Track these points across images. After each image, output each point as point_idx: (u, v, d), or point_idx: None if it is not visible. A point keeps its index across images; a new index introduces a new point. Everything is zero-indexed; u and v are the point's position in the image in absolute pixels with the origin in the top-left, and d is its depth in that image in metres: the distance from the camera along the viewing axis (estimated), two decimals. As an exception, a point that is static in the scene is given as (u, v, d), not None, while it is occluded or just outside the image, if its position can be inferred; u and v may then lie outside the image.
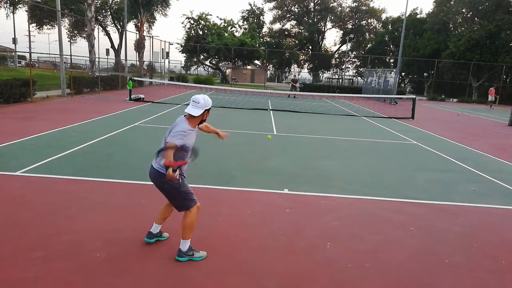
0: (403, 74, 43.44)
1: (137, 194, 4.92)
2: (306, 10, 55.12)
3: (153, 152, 3.35)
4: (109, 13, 46.10)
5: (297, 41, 55.82)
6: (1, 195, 4.68)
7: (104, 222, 4.06)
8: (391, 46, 49.06)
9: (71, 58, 20.08)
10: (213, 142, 8.80)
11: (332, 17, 54.39)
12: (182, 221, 3.35)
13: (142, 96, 17.08)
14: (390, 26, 49.80)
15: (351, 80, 48.38)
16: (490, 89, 28.32)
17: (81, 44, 48.53)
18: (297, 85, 29.56)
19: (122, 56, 28.38)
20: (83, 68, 41.60)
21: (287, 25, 57.31)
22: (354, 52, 55.48)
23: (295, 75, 34.96)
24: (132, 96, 16.88)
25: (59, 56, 17.79)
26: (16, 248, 3.40)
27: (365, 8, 53.45)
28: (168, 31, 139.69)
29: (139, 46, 31.28)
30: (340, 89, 34.07)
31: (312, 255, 3.65)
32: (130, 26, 40.89)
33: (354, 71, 56.20)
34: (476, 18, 39.54)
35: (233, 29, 44.19)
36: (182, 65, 48.67)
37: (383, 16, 54.01)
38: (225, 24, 43.60)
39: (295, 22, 56.48)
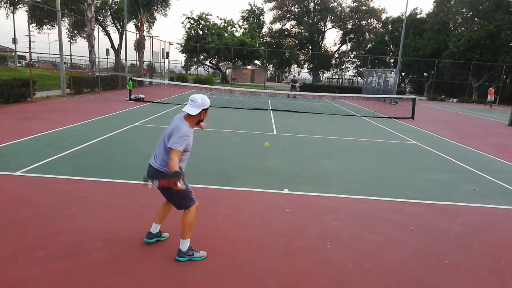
0: (403, 74, 43.44)
1: (137, 194, 4.92)
2: (306, 10, 55.13)
3: (153, 152, 3.36)
4: (109, 13, 46.11)
5: (297, 41, 55.83)
6: (1, 195, 4.68)
7: (104, 222, 4.06)
8: (391, 46, 49.07)
9: (71, 58, 20.10)
10: (213, 142, 8.83)
11: (332, 17, 54.40)
12: (182, 220, 3.35)
13: (142, 96, 17.08)
14: (390, 26, 49.80)
15: (351, 80, 48.39)
16: (490, 89, 28.33)
17: (81, 44, 48.60)
18: (297, 85, 29.59)
19: (122, 56, 28.41)
20: (83, 68, 41.61)
21: (287, 25, 57.42)
22: (354, 52, 55.50)
23: (294, 75, 35.00)
24: (132, 96, 16.88)
25: (59, 56, 17.80)
26: (16, 248, 3.40)
27: (365, 8, 53.46)
28: (168, 31, 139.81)
29: (139, 46, 31.29)
30: (340, 89, 34.07)
31: (312, 255, 3.65)
32: (130, 26, 40.94)
33: (354, 71, 56.26)
34: (476, 18, 39.54)
35: (233, 29, 44.21)
36: (182, 65, 48.70)
37: (383, 16, 54.09)
38: (225, 24, 43.61)
39: (295, 22, 56.50)
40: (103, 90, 20.72)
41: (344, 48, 56.37)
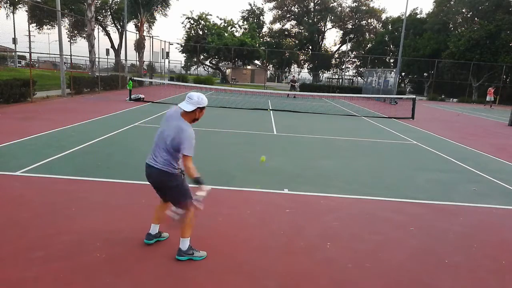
0: (403, 74, 43.44)
1: (137, 194, 4.92)
2: (306, 10, 55.12)
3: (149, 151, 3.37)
4: (109, 13, 46.10)
5: (297, 41, 55.81)
6: (1, 195, 4.68)
7: (104, 222, 4.06)
8: (391, 46, 49.06)
9: (71, 58, 20.10)
10: (213, 142, 8.82)
11: (332, 17, 54.38)
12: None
13: (142, 96, 17.08)
14: (390, 26, 49.79)
15: (351, 80, 48.38)
16: (489, 89, 28.35)
17: (81, 44, 48.57)
18: (296, 84, 29.66)
19: (122, 56, 28.41)
20: (83, 68, 41.61)
21: (287, 25, 57.39)
22: (354, 52, 55.48)
23: (294, 75, 35.07)
24: (132, 96, 16.88)
25: (59, 56, 17.80)
26: (16, 248, 3.40)
27: (365, 8, 53.44)
28: (168, 31, 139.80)
29: (139, 46, 31.29)
30: (340, 89, 34.06)
31: (312, 255, 3.65)
32: (130, 26, 40.94)
33: (354, 71, 56.23)
34: (476, 18, 39.54)
35: (233, 29, 44.21)
36: (182, 65, 48.69)
37: (383, 16, 54.07)
38: (225, 24, 43.61)
39: (295, 22, 56.49)
40: (103, 90, 20.71)
41: (344, 48, 56.42)
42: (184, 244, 3.37)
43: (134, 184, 5.31)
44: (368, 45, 53.49)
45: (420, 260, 3.69)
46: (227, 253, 3.58)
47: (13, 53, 42.28)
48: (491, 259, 3.80)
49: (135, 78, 20.30)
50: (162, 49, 33.68)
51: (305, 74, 57.55)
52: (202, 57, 45.89)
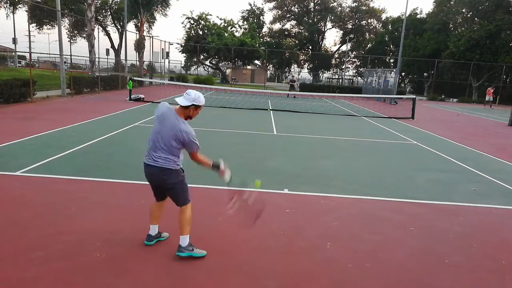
0: (403, 74, 43.44)
1: (137, 194, 4.92)
2: (306, 10, 55.12)
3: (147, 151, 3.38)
4: (109, 13, 46.10)
5: (297, 41, 55.80)
6: (1, 195, 4.68)
7: (104, 222, 4.06)
8: (391, 46, 49.05)
9: (71, 58, 20.10)
10: (213, 142, 8.82)
11: (332, 17, 54.38)
12: (180, 217, 3.38)
13: (142, 96, 17.09)
14: (390, 26, 49.79)
15: (351, 80, 48.37)
16: (488, 89, 28.37)
17: (81, 44, 48.58)
18: (296, 84, 29.80)
19: (122, 56, 28.42)
20: (83, 68, 41.61)
21: (287, 25, 57.39)
22: (354, 52, 55.48)
23: (293, 75, 35.18)
24: (132, 96, 16.88)
25: (59, 56, 17.80)
26: (16, 248, 3.40)
27: (365, 8, 53.44)
28: (168, 31, 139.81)
29: (139, 46, 31.29)
30: (340, 89, 34.07)
31: (312, 255, 3.65)
32: (130, 26, 40.93)
33: (354, 71, 56.23)
34: (476, 18, 39.54)
35: (233, 29, 44.20)
36: (182, 65, 48.69)
37: (383, 16, 54.07)
38: (225, 24, 43.61)
39: (295, 22, 56.48)
40: (103, 90, 20.72)
41: (344, 48, 56.42)
42: (184, 240, 3.39)
43: (134, 184, 5.31)
44: (368, 45, 53.49)
45: (420, 260, 3.69)
46: (227, 253, 3.58)
47: (13, 53, 42.29)
48: (491, 259, 3.80)
49: (135, 78, 20.30)
50: (162, 49, 33.69)
51: (305, 74, 57.59)
52: (202, 57, 45.89)
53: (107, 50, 27.13)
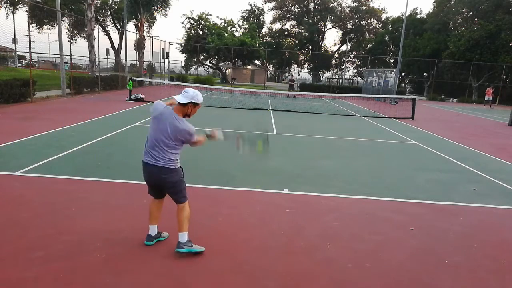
0: (403, 74, 43.43)
1: (137, 194, 4.92)
2: (306, 10, 55.11)
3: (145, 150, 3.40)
4: (109, 13, 46.10)
5: (297, 41, 55.79)
6: (1, 195, 4.68)
7: (104, 222, 4.06)
8: (391, 46, 49.05)
9: (71, 58, 20.09)
10: (213, 142, 8.81)
11: (332, 17, 54.37)
12: (179, 214, 3.41)
13: (142, 96, 17.09)
14: (390, 26, 49.78)
15: (351, 80, 48.36)
16: (487, 89, 28.38)
17: (81, 44, 48.60)
18: (295, 83, 29.93)
19: (122, 56, 28.43)
20: (83, 68, 41.61)
21: (287, 25, 57.37)
22: (354, 52, 55.46)
23: (292, 75, 35.28)
24: (132, 96, 16.89)
25: (59, 56, 17.80)
26: (16, 248, 3.40)
27: (365, 8, 53.43)
28: (168, 31, 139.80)
29: (139, 46, 31.29)
30: (340, 89, 34.06)
31: (312, 255, 3.65)
32: (130, 26, 40.93)
33: (354, 71, 56.22)
34: (476, 18, 39.54)
35: (233, 29, 44.20)
36: (182, 65, 48.68)
37: (383, 16, 54.05)
38: (225, 24, 43.61)
39: (295, 22, 56.46)
40: (103, 90, 20.72)
41: (344, 48, 56.40)
42: (183, 237, 3.42)
43: (134, 184, 5.31)
44: (368, 45, 53.48)
45: (420, 260, 3.69)
46: (227, 253, 3.58)
47: (13, 53, 42.29)
48: (491, 259, 3.80)
49: (135, 78, 20.31)
50: (162, 49, 33.70)
51: (305, 74, 57.57)
52: (202, 57, 45.88)
53: (107, 50, 27.14)
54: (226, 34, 41.16)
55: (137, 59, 31.28)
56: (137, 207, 4.50)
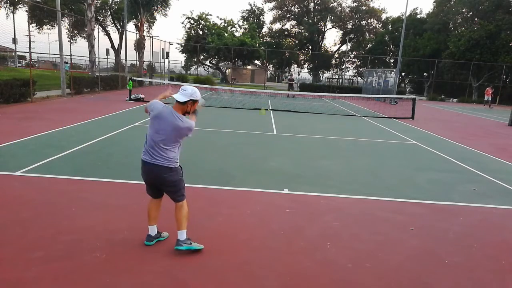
0: (403, 74, 43.43)
1: (137, 194, 4.91)
2: (306, 10, 55.10)
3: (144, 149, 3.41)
4: (109, 13, 46.08)
5: (297, 41, 55.79)
6: (1, 195, 4.68)
7: (104, 222, 4.06)
8: (391, 46, 49.04)
9: (71, 58, 20.08)
10: (213, 142, 8.82)
11: (332, 17, 54.35)
12: (178, 213, 3.43)
13: (142, 96, 17.09)
14: (390, 26, 49.78)
15: (351, 80, 48.35)
16: (487, 89, 28.39)
17: (81, 44, 48.61)
18: (294, 83, 30.01)
19: (122, 56, 28.43)
20: (83, 68, 41.61)
21: (287, 25, 57.33)
22: (354, 52, 55.45)
23: (291, 74, 35.34)
24: (132, 96, 16.89)
25: (59, 56, 17.79)
26: (16, 248, 3.40)
27: (365, 8, 53.41)
28: (168, 31, 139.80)
29: (139, 46, 31.30)
30: (340, 89, 34.05)
31: (312, 255, 3.65)
32: (130, 26, 40.94)
33: (354, 71, 56.20)
34: (476, 18, 39.54)
35: (233, 29, 44.16)
36: (182, 65, 48.66)
37: (383, 16, 54.03)
38: (225, 24, 43.58)
39: (295, 22, 56.44)
40: (103, 90, 20.72)
41: (344, 48, 56.38)
42: (182, 235, 3.44)
43: (134, 184, 5.31)
44: (368, 45, 53.46)
45: (420, 260, 3.69)
46: (227, 253, 3.58)
47: (13, 53, 42.27)
48: (491, 259, 3.80)
49: (135, 78, 20.31)
50: (162, 49, 33.69)
51: (305, 74, 57.57)
52: (202, 57, 45.85)
53: (107, 50, 27.13)
54: (226, 34, 41.14)
55: (137, 59, 31.29)
56: (137, 207, 4.50)
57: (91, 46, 21.67)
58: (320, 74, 55.24)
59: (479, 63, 33.90)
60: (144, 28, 34.93)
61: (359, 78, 50.70)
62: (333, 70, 57.38)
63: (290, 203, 5.01)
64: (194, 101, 3.29)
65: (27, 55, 24.46)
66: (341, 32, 55.86)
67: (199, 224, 4.08)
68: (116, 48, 43.83)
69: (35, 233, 3.70)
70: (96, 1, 33.48)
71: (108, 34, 44.70)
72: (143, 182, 3.60)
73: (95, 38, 21.93)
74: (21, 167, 5.78)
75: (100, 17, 44.30)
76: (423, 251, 3.89)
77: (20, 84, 13.60)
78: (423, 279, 3.34)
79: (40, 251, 3.37)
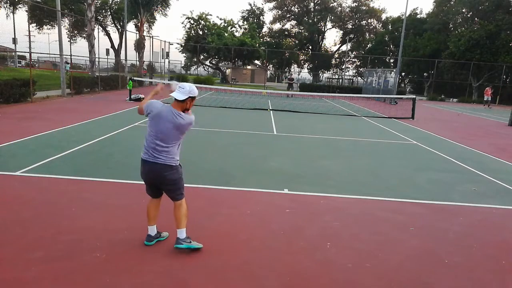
0: (403, 74, 43.43)
1: (137, 194, 4.91)
2: (306, 10, 55.12)
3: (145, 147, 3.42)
4: (109, 13, 46.09)
5: (297, 41, 55.81)
6: (1, 195, 4.68)
7: (104, 222, 4.06)
8: (391, 46, 49.05)
9: (71, 58, 20.08)
10: (213, 142, 8.82)
11: (332, 17, 54.39)
12: (177, 212, 3.44)
13: (142, 96, 17.08)
14: (390, 26, 49.80)
15: (351, 80, 48.36)
16: (486, 89, 28.40)
17: (81, 44, 48.66)
18: (293, 82, 30.09)
19: (122, 56, 28.44)
20: (83, 68, 41.61)
21: (287, 25, 57.39)
22: (354, 52, 55.47)
23: (291, 74, 35.41)
24: (132, 96, 16.89)
25: (59, 56, 17.79)
26: (16, 248, 3.40)
27: (365, 8, 53.44)
28: (168, 31, 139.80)
29: (139, 46, 31.31)
30: (340, 89, 34.05)
31: (312, 255, 3.65)
32: (130, 26, 40.96)
33: (354, 71, 56.22)
34: (476, 18, 39.55)
35: (233, 29, 44.19)
36: (182, 65, 48.70)
37: (383, 16, 54.09)
38: (225, 24, 43.60)
39: (295, 22, 56.48)
40: (103, 90, 20.72)
41: (344, 48, 56.39)
42: (182, 233, 3.45)
43: (134, 184, 5.31)
44: (368, 45, 53.49)
45: (420, 260, 3.69)
46: (227, 253, 3.58)
47: (13, 53, 42.26)
48: (491, 259, 3.80)
49: (135, 78, 20.32)
50: (162, 49, 33.69)
51: (305, 74, 57.58)
52: (202, 57, 45.88)
53: (107, 50, 27.11)
54: (226, 34, 41.15)
55: (137, 59, 31.30)
56: (137, 207, 4.50)
57: (91, 46, 21.67)
58: (320, 74, 55.26)
59: (479, 63, 33.90)
60: (144, 28, 34.96)
61: (359, 78, 50.71)
62: (333, 70, 57.41)
63: (290, 203, 5.01)
64: (193, 98, 3.33)
65: (27, 55, 24.46)
66: (341, 32, 55.92)
67: (199, 224, 4.08)
68: (116, 48, 43.84)
69: (35, 233, 3.70)
70: (96, 1, 33.49)
71: (108, 34, 44.74)
72: (143, 182, 3.60)
73: (95, 38, 21.93)
74: (21, 167, 5.78)
75: (100, 17, 44.30)
76: (423, 251, 3.89)
77: (20, 84, 13.60)
78: (423, 279, 3.34)
79: (40, 251, 3.37)
